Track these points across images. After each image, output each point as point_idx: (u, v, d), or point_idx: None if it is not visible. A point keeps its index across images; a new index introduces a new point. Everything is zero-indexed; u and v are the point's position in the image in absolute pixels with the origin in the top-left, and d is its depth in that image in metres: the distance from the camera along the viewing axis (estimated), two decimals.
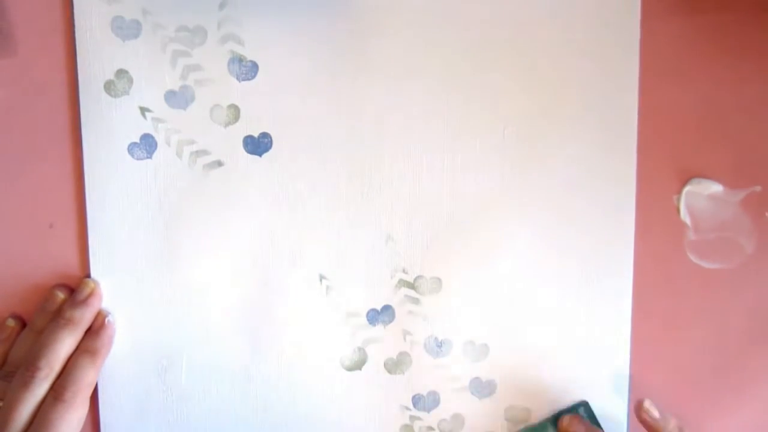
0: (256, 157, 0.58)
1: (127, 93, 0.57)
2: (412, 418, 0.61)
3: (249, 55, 0.57)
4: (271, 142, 0.58)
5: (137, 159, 0.58)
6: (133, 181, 0.58)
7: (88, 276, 0.59)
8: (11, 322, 0.58)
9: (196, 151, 0.58)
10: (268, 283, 0.60)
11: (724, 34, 0.56)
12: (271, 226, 0.59)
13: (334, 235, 0.59)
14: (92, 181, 0.58)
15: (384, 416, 0.61)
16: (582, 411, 0.59)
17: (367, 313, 0.60)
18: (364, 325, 0.60)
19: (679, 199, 0.58)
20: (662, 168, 0.58)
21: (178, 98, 0.57)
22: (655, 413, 0.56)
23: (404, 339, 0.60)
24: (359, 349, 0.60)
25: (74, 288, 0.59)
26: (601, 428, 0.59)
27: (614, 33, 0.57)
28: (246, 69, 0.57)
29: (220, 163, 0.58)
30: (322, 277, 0.60)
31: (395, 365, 0.61)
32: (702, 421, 0.60)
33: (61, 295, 0.58)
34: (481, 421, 0.61)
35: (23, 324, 0.59)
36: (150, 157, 0.58)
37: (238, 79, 0.57)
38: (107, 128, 0.57)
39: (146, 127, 0.58)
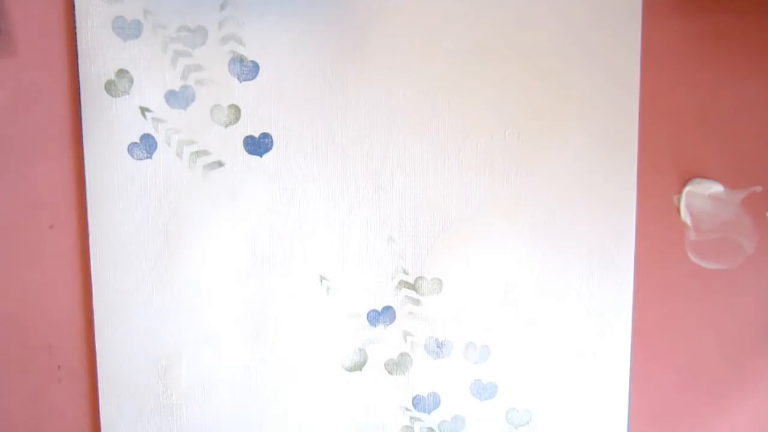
0: (257, 157, 0.58)
1: (127, 93, 0.57)
2: (413, 419, 0.61)
3: (250, 55, 0.57)
4: (271, 142, 0.58)
5: (137, 159, 0.58)
6: (133, 181, 0.58)
7: (88, 276, 0.59)
8: None
9: (197, 152, 0.58)
10: (269, 284, 0.59)
11: (724, 35, 0.57)
12: (272, 226, 0.59)
13: (335, 236, 0.59)
14: (92, 181, 0.58)
15: (384, 417, 0.61)
16: None
17: (368, 314, 0.60)
18: (364, 326, 0.60)
19: (679, 199, 0.59)
20: (662, 168, 0.58)
21: (179, 98, 0.57)
22: None
23: (405, 340, 0.60)
24: (360, 349, 0.60)
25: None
26: None
27: (615, 34, 0.57)
28: (247, 69, 0.57)
29: (220, 164, 0.58)
30: (322, 278, 0.60)
31: (396, 366, 0.61)
32: (702, 419, 0.60)
33: None
34: (482, 422, 0.61)
35: None
36: (150, 157, 0.58)
37: (238, 79, 0.57)
38: (107, 128, 0.57)
39: (146, 127, 0.58)
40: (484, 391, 0.61)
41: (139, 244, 0.58)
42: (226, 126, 0.58)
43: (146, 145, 0.58)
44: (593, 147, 0.58)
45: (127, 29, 0.57)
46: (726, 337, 0.60)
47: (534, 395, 0.61)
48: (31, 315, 0.59)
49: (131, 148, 0.58)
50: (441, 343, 0.60)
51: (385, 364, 0.60)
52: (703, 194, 0.58)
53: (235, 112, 0.58)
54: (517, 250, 0.59)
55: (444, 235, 0.59)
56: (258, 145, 0.58)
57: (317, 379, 0.60)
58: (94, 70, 0.57)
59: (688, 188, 0.58)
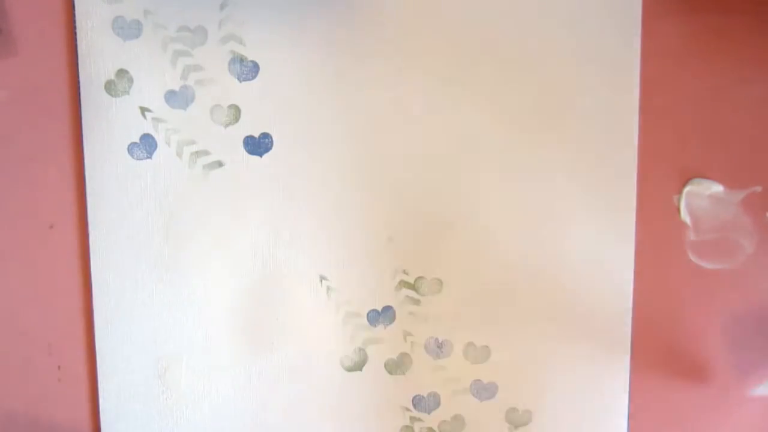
0: (257, 157, 0.58)
1: (127, 93, 0.57)
2: (413, 419, 0.61)
3: (250, 55, 0.57)
4: (271, 142, 0.58)
5: (137, 159, 0.58)
6: (133, 181, 0.58)
7: (88, 276, 0.59)
8: None
9: (197, 152, 0.58)
10: (269, 284, 0.59)
11: (724, 34, 0.57)
12: (272, 226, 0.59)
13: (335, 235, 0.59)
14: (92, 181, 0.58)
15: (384, 417, 0.61)
16: None
17: (368, 314, 0.60)
18: (364, 326, 0.60)
19: (679, 199, 0.59)
20: (662, 168, 0.58)
21: (179, 98, 0.57)
22: None
23: (405, 340, 0.60)
24: (360, 349, 0.60)
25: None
26: None
27: (615, 33, 0.57)
28: (247, 69, 0.57)
29: (220, 164, 0.58)
30: (322, 278, 0.60)
31: (396, 366, 0.61)
32: (702, 419, 0.60)
33: None
34: (482, 423, 0.61)
35: None
36: (150, 157, 0.58)
37: (238, 79, 0.57)
38: (107, 128, 0.57)
39: (146, 127, 0.58)
40: (484, 391, 0.61)
41: (139, 244, 0.58)
42: (226, 126, 0.58)
43: (146, 145, 0.58)
44: (593, 147, 0.58)
45: (127, 29, 0.57)
46: (726, 337, 0.60)
47: (534, 395, 0.61)
48: (31, 315, 0.59)
49: (131, 148, 0.58)
50: (441, 343, 0.60)
51: (385, 364, 0.61)
52: (703, 194, 0.58)
53: (235, 112, 0.58)
54: (517, 250, 0.59)
55: (444, 235, 0.59)
56: (258, 145, 0.58)
57: (317, 379, 0.60)
58: (94, 70, 0.57)
59: (688, 188, 0.58)
